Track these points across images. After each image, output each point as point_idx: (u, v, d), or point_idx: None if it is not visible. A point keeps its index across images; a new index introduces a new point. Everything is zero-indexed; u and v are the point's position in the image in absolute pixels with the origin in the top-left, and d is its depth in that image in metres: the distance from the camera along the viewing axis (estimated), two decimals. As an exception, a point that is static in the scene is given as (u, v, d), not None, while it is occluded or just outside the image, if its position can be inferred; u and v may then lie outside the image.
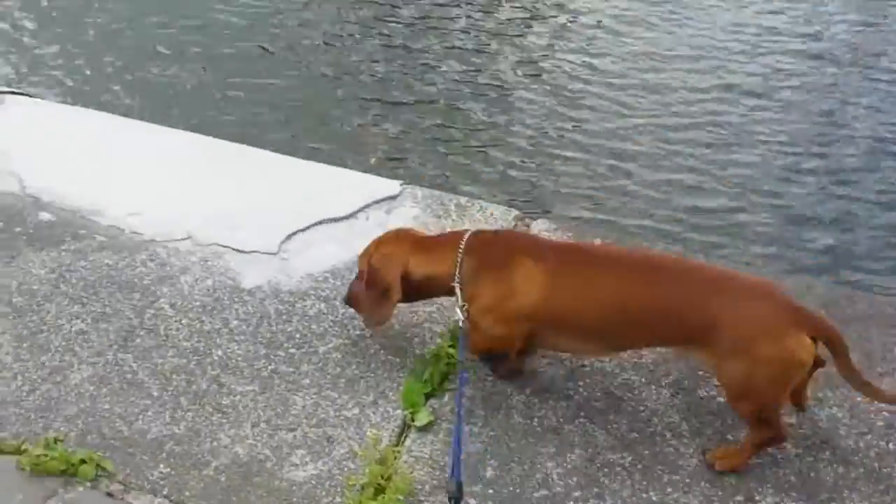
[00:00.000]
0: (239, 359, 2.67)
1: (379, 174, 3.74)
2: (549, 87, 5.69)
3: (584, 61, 5.96)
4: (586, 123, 5.32)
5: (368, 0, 6.72)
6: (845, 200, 4.61)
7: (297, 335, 2.76)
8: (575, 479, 2.33)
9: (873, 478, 2.33)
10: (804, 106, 5.47)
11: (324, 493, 2.29)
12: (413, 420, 2.47)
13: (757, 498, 2.28)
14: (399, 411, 2.50)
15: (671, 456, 2.39)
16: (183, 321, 2.81)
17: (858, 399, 2.49)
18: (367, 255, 2.58)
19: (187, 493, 2.29)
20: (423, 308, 2.81)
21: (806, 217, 4.49)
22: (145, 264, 3.02)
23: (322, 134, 5.22)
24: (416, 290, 2.54)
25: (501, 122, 5.38)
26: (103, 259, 3.04)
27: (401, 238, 2.57)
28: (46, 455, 2.33)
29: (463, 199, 3.40)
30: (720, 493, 2.30)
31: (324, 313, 2.83)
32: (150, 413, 2.50)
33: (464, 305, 2.40)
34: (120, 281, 2.95)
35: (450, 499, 2.08)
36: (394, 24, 6.42)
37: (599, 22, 6.48)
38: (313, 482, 2.32)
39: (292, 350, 2.71)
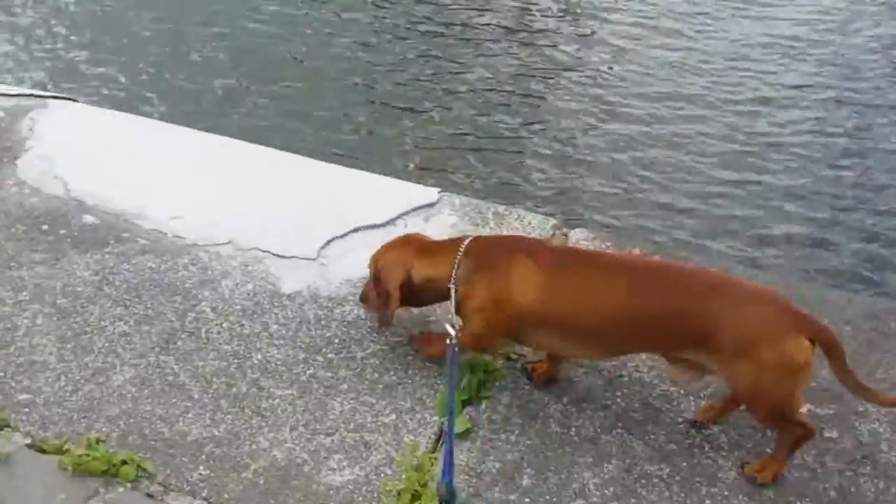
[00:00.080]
0: (278, 363, 2.70)
1: (414, 181, 3.76)
2: (579, 96, 5.70)
3: (615, 71, 5.97)
4: (617, 133, 5.32)
5: (398, 9, 6.77)
6: (885, 216, 4.57)
7: (336, 340, 2.78)
8: (612, 489, 2.33)
9: (915, 494, 2.31)
10: (838, 119, 5.44)
11: (361, 498, 2.31)
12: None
13: (797, 512, 2.27)
14: (436, 418, 2.52)
15: (709, 468, 2.38)
16: (224, 325, 2.84)
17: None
18: (375, 258, 2.64)
19: (226, 496, 2.31)
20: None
21: (845, 227, 4.47)
22: (187, 268, 3.06)
23: (352, 142, 5.27)
24: (417, 294, 2.57)
25: (533, 130, 5.40)
26: (146, 262, 3.08)
27: (407, 243, 2.63)
28: (88, 455, 2.36)
29: (501, 208, 3.40)
30: (759, 506, 2.28)
31: (362, 319, 2.85)
32: (190, 415, 2.53)
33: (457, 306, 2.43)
34: (162, 284, 2.99)
35: (441, 502, 2.06)
36: (422, 33, 6.46)
37: (630, 32, 6.49)
38: (350, 487, 2.33)
39: (331, 355, 2.73)
